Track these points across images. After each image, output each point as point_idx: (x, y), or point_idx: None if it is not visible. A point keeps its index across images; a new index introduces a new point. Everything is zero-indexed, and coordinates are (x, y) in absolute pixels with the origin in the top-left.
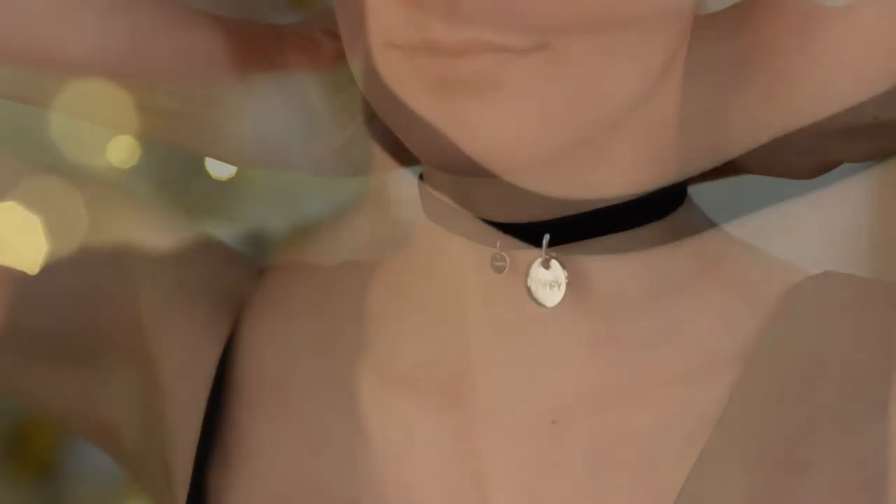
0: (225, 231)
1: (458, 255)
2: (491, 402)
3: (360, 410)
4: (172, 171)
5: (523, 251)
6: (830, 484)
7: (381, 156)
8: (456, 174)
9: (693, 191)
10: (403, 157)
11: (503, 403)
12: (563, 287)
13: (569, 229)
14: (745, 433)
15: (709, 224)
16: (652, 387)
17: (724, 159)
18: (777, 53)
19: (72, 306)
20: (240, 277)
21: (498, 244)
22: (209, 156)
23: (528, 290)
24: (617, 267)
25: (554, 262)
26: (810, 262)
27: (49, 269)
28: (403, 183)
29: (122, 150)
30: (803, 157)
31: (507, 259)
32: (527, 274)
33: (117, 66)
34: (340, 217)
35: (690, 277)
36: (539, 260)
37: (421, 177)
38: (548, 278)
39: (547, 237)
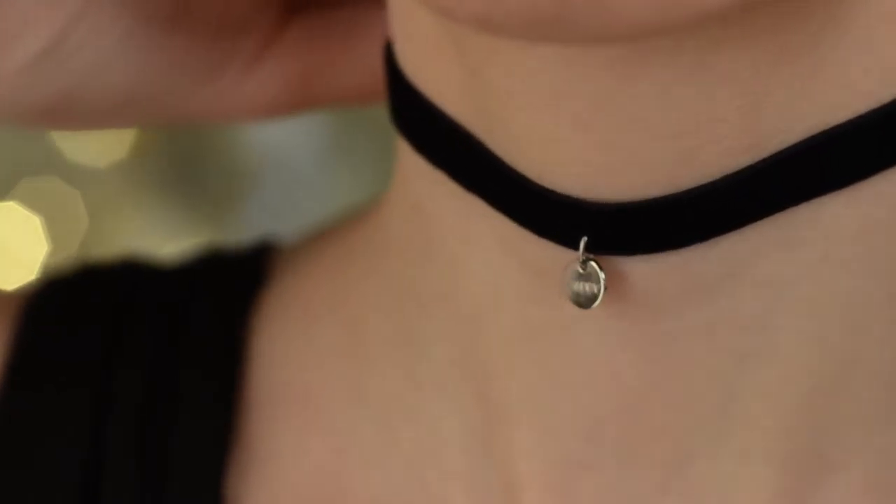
0: (231, 234)
1: (489, 253)
2: (521, 402)
3: (388, 412)
4: (177, 171)
5: (553, 250)
6: (863, 483)
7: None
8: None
9: None
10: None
11: (534, 404)
12: (602, 289)
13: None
14: (777, 431)
15: None
16: (685, 385)
17: None
18: None
19: None
20: None
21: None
22: None
23: (566, 291)
24: (653, 267)
25: (591, 264)
26: None
27: None
28: (431, 178)
29: (123, 150)
30: None
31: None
32: (562, 274)
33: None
34: (354, 217)
35: (724, 277)
36: (577, 262)
37: (437, 162)
38: (585, 279)
39: (584, 240)
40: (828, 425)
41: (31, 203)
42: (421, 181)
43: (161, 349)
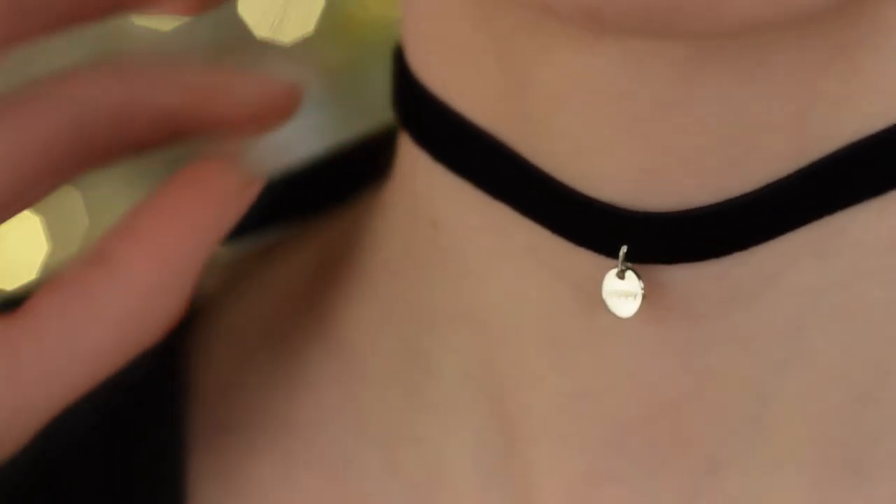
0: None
1: (516, 264)
2: (544, 415)
3: (389, 436)
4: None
5: (591, 259)
6: (893, 495)
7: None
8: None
9: None
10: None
11: (558, 416)
12: (640, 297)
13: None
14: (807, 440)
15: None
16: (718, 393)
17: None
18: None
19: None
20: None
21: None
22: None
23: (602, 300)
24: (692, 275)
25: (629, 273)
26: None
27: None
28: (450, 189)
29: None
30: None
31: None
32: (600, 283)
33: None
34: (300, 234)
35: (761, 284)
36: (614, 270)
37: (451, 166)
38: (622, 289)
39: (624, 249)
40: (861, 435)
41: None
42: (439, 194)
43: (96, 391)
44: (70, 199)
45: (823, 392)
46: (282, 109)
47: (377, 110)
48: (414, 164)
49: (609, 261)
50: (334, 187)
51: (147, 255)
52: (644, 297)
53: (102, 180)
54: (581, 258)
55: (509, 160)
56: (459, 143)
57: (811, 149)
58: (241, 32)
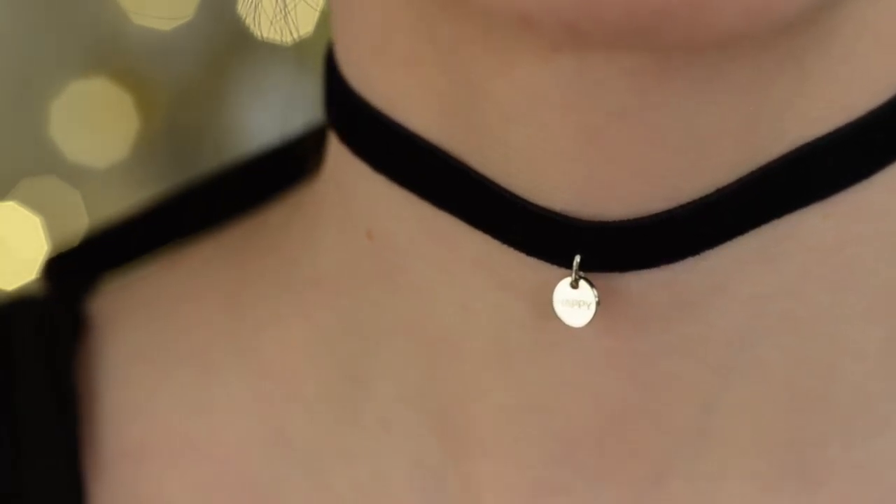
0: None
1: (462, 276)
2: (488, 429)
3: (319, 457)
4: (177, 171)
5: (540, 269)
6: (841, 499)
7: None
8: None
9: None
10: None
11: (503, 430)
12: (594, 306)
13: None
14: (752, 447)
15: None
16: (665, 403)
17: None
18: None
19: None
20: None
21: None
22: None
23: (554, 310)
24: (643, 283)
25: (583, 282)
26: None
27: None
28: (392, 200)
29: (123, 150)
30: None
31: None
32: (551, 293)
33: None
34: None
35: (710, 291)
36: (568, 280)
37: (396, 178)
38: (575, 298)
39: (578, 258)
40: (806, 440)
41: (31, 203)
42: (378, 204)
43: None
44: (70, 199)
45: (769, 399)
46: None
47: None
48: (348, 173)
49: (560, 271)
50: (241, 193)
51: None
52: (598, 305)
53: (102, 180)
54: (531, 269)
55: (456, 171)
56: (402, 154)
57: (759, 153)
58: (241, 32)
